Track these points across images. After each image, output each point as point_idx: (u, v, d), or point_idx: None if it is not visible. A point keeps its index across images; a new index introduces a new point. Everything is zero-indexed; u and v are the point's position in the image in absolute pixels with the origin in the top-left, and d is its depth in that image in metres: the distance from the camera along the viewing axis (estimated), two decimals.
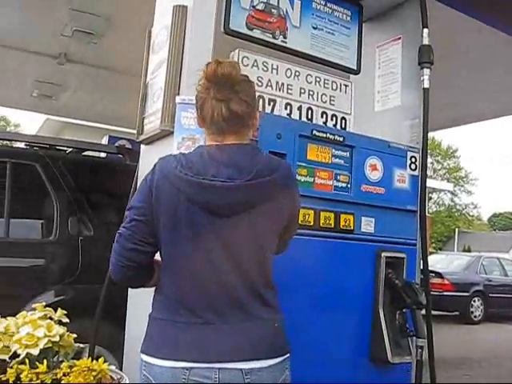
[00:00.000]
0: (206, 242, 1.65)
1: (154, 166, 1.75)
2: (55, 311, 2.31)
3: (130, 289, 2.84)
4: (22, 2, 5.18)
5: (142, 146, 2.86)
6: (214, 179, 1.64)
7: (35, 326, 2.10)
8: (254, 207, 1.67)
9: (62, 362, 2.12)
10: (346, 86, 3.20)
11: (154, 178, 1.69)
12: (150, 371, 1.67)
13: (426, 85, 3.11)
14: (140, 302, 2.71)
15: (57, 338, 2.10)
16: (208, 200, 1.65)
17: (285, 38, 3.00)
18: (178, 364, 1.61)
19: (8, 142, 4.85)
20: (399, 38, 3.40)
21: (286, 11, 3.02)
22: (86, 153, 4.22)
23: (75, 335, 2.25)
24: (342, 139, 2.76)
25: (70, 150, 4.10)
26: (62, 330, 2.16)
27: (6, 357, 2.04)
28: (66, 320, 2.29)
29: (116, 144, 5.11)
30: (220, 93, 1.68)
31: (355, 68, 3.32)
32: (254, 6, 2.89)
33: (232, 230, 1.66)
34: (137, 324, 2.74)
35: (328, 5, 3.22)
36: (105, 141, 5.88)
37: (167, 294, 1.72)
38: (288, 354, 1.74)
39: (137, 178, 2.86)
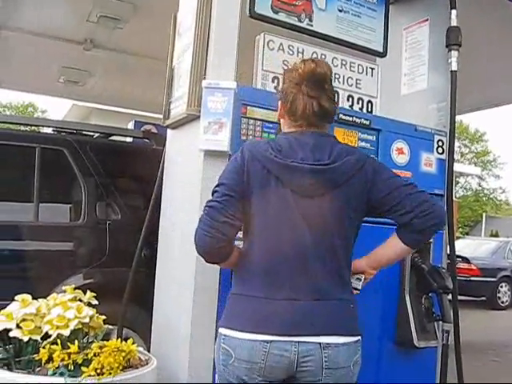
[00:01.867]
0: (292, 221, 1.76)
1: (242, 148, 1.85)
2: (84, 294, 2.36)
3: (158, 274, 2.88)
4: None
5: (169, 131, 2.88)
6: (303, 162, 1.77)
7: (66, 308, 2.16)
8: (336, 188, 1.79)
9: (92, 342, 2.17)
10: (372, 69, 3.17)
11: (245, 158, 1.79)
12: (230, 344, 1.74)
13: (454, 67, 3.07)
14: (166, 286, 2.76)
15: (87, 320, 2.16)
16: (295, 181, 1.76)
17: (310, 20, 2.97)
18: (259, 337, 1.69)
19: (36, 128, 4.91)
20: (426, 20, 3.35)
21: None
22: (112, 138, 4.26)
23: (104, 317, 2.30)
24: (368, 123, 2.75)
25: (97, 135, 4.14)
26: (91, 311, 2.21)
27: (38, 337, 2.10)
28: (95, 302, 2.34)
29: (142, 129, 5.12)
30: (313, 90, 1.82)
31: (382, 51, 3.28)
32: None
33: (316, 209, 1.77)
34: (163, 308, 2.78)
35: None
36: (131, 126, 5.91)
37: (249, 270, 1.81)
38: (360, 337, 1.81)
39: (163, 162, 2.89)
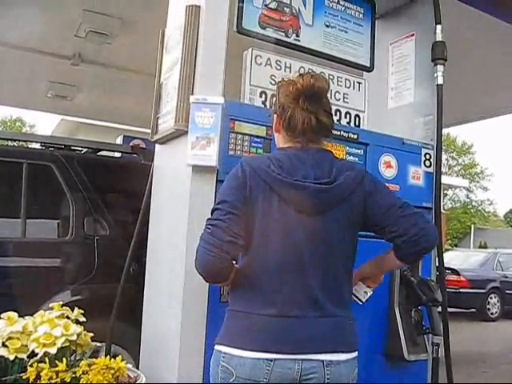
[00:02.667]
0: (294, 239, 1.75)
1: (240, 163, 1.83)
2: (72, 311, 2.33)
3: (146, 288, 2.86)
4: (35, 4, 5.21)
5: (157, 146, 2.88)
6: (305, 181, 1.77)
7: (53, 325, 2.13)
8: (337, 206, 1.80)
9: (80, 360, 2.14)
10: (359, 83, 3.19)
11: (246, 174, 1.77)
12: (230, 362, 1.71)
13: (440, 81, 3.10)
14: (156, 302, 2.74)
15: (74, 337, 2.13)
16: (298, 200, 1.76)
17: (298, 36, 2.99)
18: (261, 355, 1.68)
19: (24, 143, 4.90)
20: (412, 35, 3.39)
21: (299, 9, 3.01)
22: (101, 152, 4.25)
23: (92, 334, 2.28)
24: (356, 137, 2.76)
25: (85, 150, 4.13)
26: (79, 328, 2.18)
27: (25, 356, 2.07)
28: (82, 319, 2.31)
29: (130, 143, 5.13)
30: (311, 104, 1.83)
31: (368, 65, 3.31)
32: (266, 5, 2.89)
33: (319, 228, 1.77)
34: (153, 323, 2.76)
35: (340, 2, 3.21)
36: (119, 140, 5.91)
37: (249, 286, 1.78)
38: (356, 352, 1.82)
39: (151, 177, 2.88)
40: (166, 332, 2.52)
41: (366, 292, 2.05)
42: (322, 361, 1.70)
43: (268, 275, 1.76)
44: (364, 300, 2.03)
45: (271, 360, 1.67)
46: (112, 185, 3.85)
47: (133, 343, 3.02)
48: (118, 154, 4.63)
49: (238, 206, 1.74)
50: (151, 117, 2.78)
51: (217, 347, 1.78)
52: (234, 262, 1.82)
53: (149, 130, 2.82)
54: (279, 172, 1.76)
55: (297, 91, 1.84)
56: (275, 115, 1.93)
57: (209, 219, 1.77)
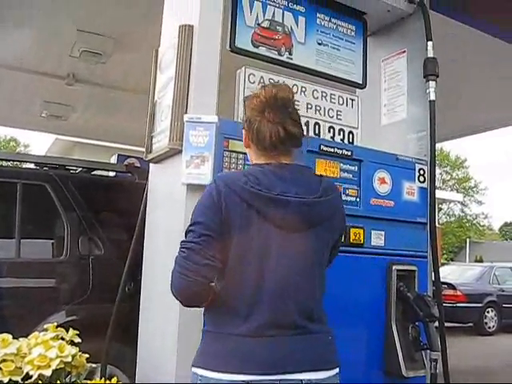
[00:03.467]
0: (273, 256, 1.69)
1: (214, 181, 1.77)
2: (67, 331, 2.32)
3: (142, 307, 2.85)
4: (29, 24, 5.25)
5: (151, 165, 2.88)
6: (287, 195, 1.71)
7: (47, 347, 2.12)
8: (320, 224, 1.77)
9: (75, 382, 2.13)
10: (352, 100, 3.21)
11: (221, 192, 1.70)
12: None
13: (432, 97, 3.12)
14: (152, 320, 2.72)
15: (69, 359, 2.12)
16: (279, 214, 1.70)
17: (290, 54, 3.02)
18: (238, 377, 1.61)
19: (18, 163, 4.89)
20: (404, 52, 3.41)
21: (291, 28, 3.04)
22: (95, 172, 4.25)
23: (87, 355, 2.26)
24: (349, 153, 2.77)
25: (80, 169, 4.13)
26: (74, 350, 2.17)
27: (19, 378, 2.05)
28: (77, 340, 2.30)
29: (125, 162, 5.12)
30: (276, 115, 1.77)
31: (361, 82, 3.33)
32: (259, 24, 2.91)
33: (299, 245, 1.73)
34: (149, 343, 2.74)
35: (332, 20, 3.24)
36: (114, 159, 5.90)
37: (224, 307, 1.72)
38: (338, 367, 1.78)
39: (146, 197, 2.88)
40: (162, 351, 2.51)
41: None
42: (301, 380, 1.65)
43: (244, 295, 1.70)
44: None
45: (248, 382, 1.60)
46: (107, 204, 3.85)
47: (129, 363, 2.99)
48: (112, 173, 4.63)
49: (213, 227, 1.68)
50: (145, 136, 2.79)
51: (193, 369, 1.72)
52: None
53: (143, 149, 2.83)
54: (258, 188, 1.69)
55: (261, 103, 1.79)
56: (244, 130, 1.89)
57: (183, 242, 1.71)
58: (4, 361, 2.06)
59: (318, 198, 1.76)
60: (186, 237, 1.73)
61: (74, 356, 2.14)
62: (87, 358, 2.25)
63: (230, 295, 1.72)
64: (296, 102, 1.94)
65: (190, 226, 1.73)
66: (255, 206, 1.69)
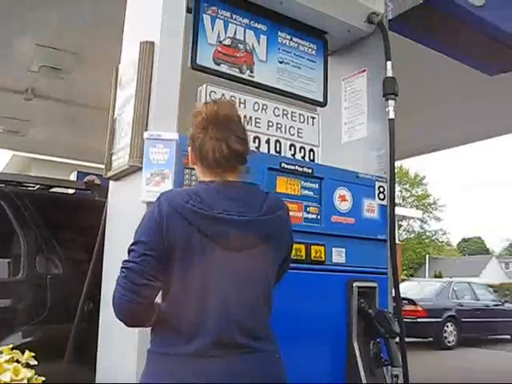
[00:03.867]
0: (216, 276, 1.68)
1: (159, 199, 1.75)
2: (23, 353, 2.24)
3: (101, 328, 2.79)
4: None
5: (111, 182, 2.84)
6: (228, 213, 1.70)
7: (1, 371, 2.05)
8: (264, 242, 1.75)
9: None
10: (313, 118, 3.24)
11: (163, 211, 1.69)
12: None
13: (392, 115, 3.17)
14: (111, 342, 2.67)
15: (24, 382, 2.05)
16: (221, 233, 1.69)
17: (252, 72, 3.03)
18: None
19: None
20: (364, 71, 3.47)
21: (253, 46, 3.06)
22: (54, 189, 4.17)
23: (43, 378, 2.19)
24: (310, 171, 2.79)
25: (38, 186, 4.05)
26: (29, 373, 2.10)
27: None
28: (34, 362, 2.23)
29: (84, 179, 5.05)
30: (219, 132, 1.77)
31: (322, 100, 3.37)
32: (220, 42, 2.92)
33: (243, 263, 1.72)
34: (108, 364, 2.68)
35: (294, 39, 3.28)
36: (73, 176, 5.83)
37: (168, 327, 1.70)
38: None
39: (106, 214, 2.83)
40: (121, 374, 2.45)
41: None
42: None
43: (188, 315, 1.68)
44: None
45: None
46: (65, 222, 3.78)
47: None
48: (71, 191, 4.55)
49: (154, 246, 1.67)
50: (105, 153, 2.75)
51: None
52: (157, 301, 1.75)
53: (104, 166, 2.79)
54: (200, 206, 1.69)
55: (203, 120, 1.80)
56: (189, 148, 1.89)
57: (124, 261, 1.69)
58: None
59: (261, 217, 1.76)
60: (128, 256, 1.71)
61: (29, 379, 2.07)
62: (44, 381, 2.18)
63: (173, 315, 1.70)
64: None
65: (132, 245, 1.72)
66: (196, 224, 1.68)
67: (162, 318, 1.72)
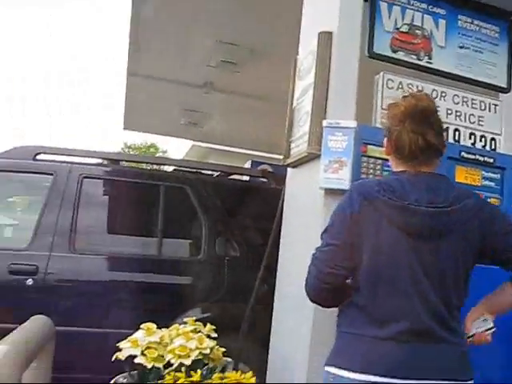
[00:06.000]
0: (407, 264, 1.71)
1: (351, 190, 1.84)
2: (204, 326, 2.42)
3: (275, 309, 2.91)
4: (171, 41, 5.58)
5: (289, 169, 2.94)
6: (418, 204, 1.72)
7: (188, 338, 2.23)
8: (452, 232, 1.74)
9: (211, 373, 2.22)
10: (495, 105, 3.06)
11: (355, 202, 1.76)
12: (339, 382, 1.71)
13: None
14: (285, 323, 2.77)
15: (207, 351, 2.22)
16: (410, 223, 1.72)
17: (430, 58, 2.94)
18: (370, 378, 1.64)
19: (158, 167, 5.20)
20: None
21: (431, 31, 2.96)
22: (231, 177, 4.39)
23: (224, 349, 2.35)
24: (492, 161, 2.66)
25: (218, 173, 4.29)
26: (212, 343, 2.27)
27: (161, 365, 2.18)
28: (214, 335, 2.40)
29: (259, 168, 5.24)
30: (417, 125, 1.79)
31: (505, 86, 3.17)
32: (397, 29, 2.87)
33: (432, 253, 1.73)
34: (280, 344, 2.79)
35: (475, 22, 3.10)
36: (248, 165, 6.07)
37: (361, 310, 1.76)
38: (472, 380, 1.75)
39: (283, 201, 2.94)
40: (293, 353, 2.54)
41: (485, 319, 1.88)
42: None
43: (378, 298, 1.73)
44: (492, 325, 1.89)
45: (377, 383, 1.63)
46: (243, 208, 3.97)
47: (259, 363, 3.06)
48: (247, 178, 4.76)
49: (341, 236, 1.76)
50: (283, 141, 2.85)
51: (326, 368, 1.77)
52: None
53: (275, 156, 2.89)
54: (390, 196, 1.72)
55: (401, 114, 1.81)
56: (385, 139, 1.91)
57: (316, 248, 1.81)
58: (148, 348, 2.20)
59: (448, 207, 1.74)
60: (321, 239, 1.82)
61: (211, 349, 2.24)
62: (223, 352, 2.34)
63: (362, 298, 1.76)
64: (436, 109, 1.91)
65: (323, 233, 1.82)
66: (385, 213, 1.73)
67: (352, 299, 1.79)
